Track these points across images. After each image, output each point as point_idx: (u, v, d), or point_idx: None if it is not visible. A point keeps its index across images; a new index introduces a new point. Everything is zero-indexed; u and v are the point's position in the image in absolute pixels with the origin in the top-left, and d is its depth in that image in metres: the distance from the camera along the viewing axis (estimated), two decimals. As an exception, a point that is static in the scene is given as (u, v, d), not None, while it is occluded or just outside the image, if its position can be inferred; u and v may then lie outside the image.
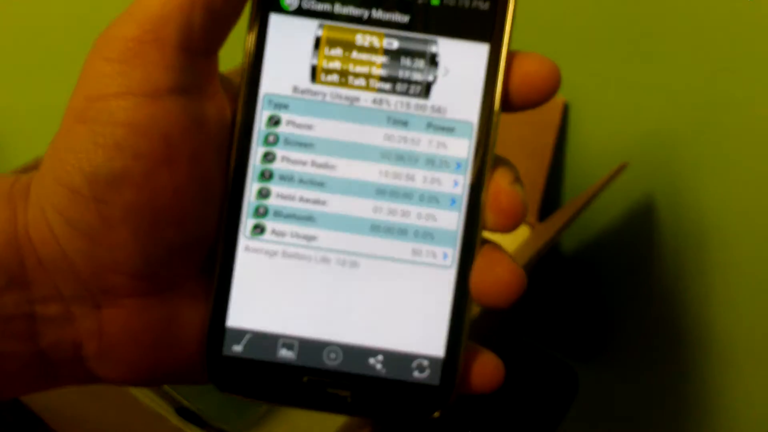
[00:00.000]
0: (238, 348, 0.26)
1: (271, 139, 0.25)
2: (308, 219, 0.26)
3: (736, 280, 0.53)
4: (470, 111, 0.25)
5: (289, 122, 0.25)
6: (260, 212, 0.26)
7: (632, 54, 0.50)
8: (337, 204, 0.26)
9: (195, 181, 0.24)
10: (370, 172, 0.25)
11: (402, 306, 0.26)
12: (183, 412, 0.42)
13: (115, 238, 0.23)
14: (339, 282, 0.26)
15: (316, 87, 0.25)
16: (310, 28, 0.25)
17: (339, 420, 0.41)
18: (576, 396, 0.60)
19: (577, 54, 0.52)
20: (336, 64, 0.25)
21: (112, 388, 0.42)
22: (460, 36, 0.25)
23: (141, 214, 0.23)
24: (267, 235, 0.26)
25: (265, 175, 0.25)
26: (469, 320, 0.26)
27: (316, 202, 0.26)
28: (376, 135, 0.25)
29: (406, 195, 0.26)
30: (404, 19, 0.25)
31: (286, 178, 0.25)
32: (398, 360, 0.26)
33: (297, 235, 0.26)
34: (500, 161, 0.26)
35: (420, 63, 0.25)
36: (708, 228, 0.53)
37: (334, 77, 0.25)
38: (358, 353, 0.26)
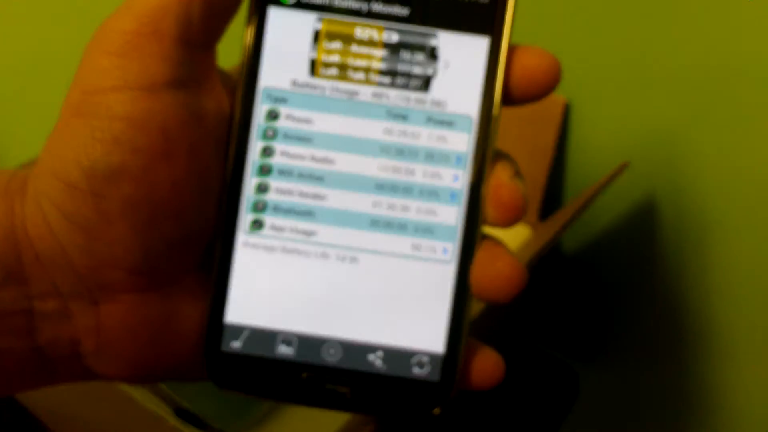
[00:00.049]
0: (236, 344, 0.26)
1: (269, 133, 0.25)
2: (307, 214, 0.25)
3: (737, 280, 0.53)
4: (470, 105, 0.25)
5: (288, 116, 0.25)
6: (259, 207, 0.25)
7: (633, 53, 0.50)
8: (337, 199, 0.25)
9: (193, 175, 0.24)
10: (370, 166, 0.25)
11: (402, 301, 0.26)
12: (182, 413, 0.42)
13: (113, 232, 0.23)
14: (338, 277, 0.26)
15: (316, 81, 0.25)
16: (309, 22, 0.25)
17: (339, 421, 0.40)
18: (577, 397, 0.60)
19: (579, 53, 0.52)
20: (335, 58, 0.25)
21: (111, 389, 0.42)
22: (461, 29, 0.25)
23: (139, 208, 0.23)
24: (266, 231, 0.25)
25: (264, 170, 0.25)
26: (469, 316, 0.26)
27: (315, 197, 0.25)
28: (375, 129, 0.25)
29: (405, 189, 0.25)
30: (404, 12, 0.25)
31: (285, 173, 0.25)
32: (398, 356, 0.26)
33: (296, 231, 0.26)
34: (500, 155, 0.26)
35: (420, 56, 0.25)
36: (710, 227, 0.52)
37: (334, 71, 0.25)
38: (358, 349, 0.26)
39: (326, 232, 0.25)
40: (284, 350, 0.26)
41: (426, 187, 0.25)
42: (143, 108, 0.23)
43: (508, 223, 0.25)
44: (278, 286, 0.26)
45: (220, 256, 0.25)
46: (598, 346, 0.65)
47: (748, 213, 0.51)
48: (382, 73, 0.25)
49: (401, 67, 0.25)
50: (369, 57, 0.25)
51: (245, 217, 0.25)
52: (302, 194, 0.25)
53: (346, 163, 0.25)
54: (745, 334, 0.55)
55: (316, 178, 0.25)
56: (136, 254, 0.24)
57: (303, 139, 0.25)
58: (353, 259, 0.26)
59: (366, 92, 0.25)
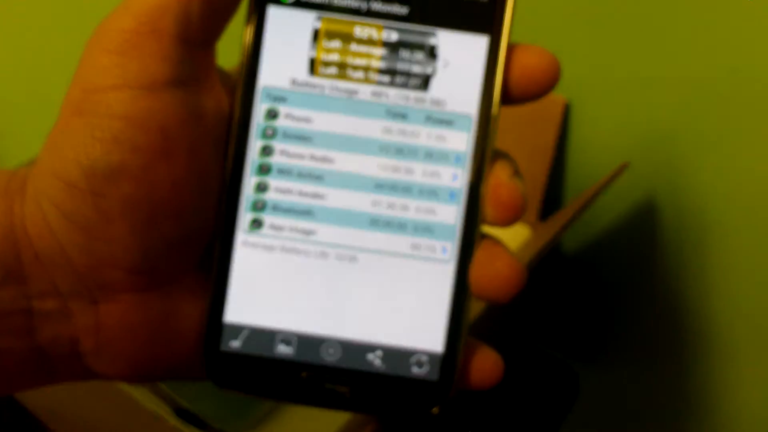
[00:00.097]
0: (236, 344, 0.26)
1: (269, 132, 0.25)
2: (307, 213, 0.25)
3: (737, 280, 0.53)
4: (469, 104, 0.25)
5: (287, 115, 0.25)
6: (258, 206, 0.25)
7: (633, 54, 0.50)
8: (336, 198, 0.25)
9: (193, 174, 0.24)
10: (369, 165, 0.25)
11: (401, 301, 0.26)
12: (182, 413, 0.42)
13: (113, 232, 0.23)
14: (337, 277, 0.26)
15: (315, 80, 0.25)
16: (308, 20, 0.25)
17: (339, 421, 0.40)
18: (577, 397, 0.60)
19: (578, 54, 0.52)
20: (334, 57, 0.25)
21: (111, 388, 0.42)
22: (460, 28, 0.25)
23: (139, 207, 0.23)
24: (265, 230, 0.25)
25: (263, 169, 0.25)
26: (468, 315, 0.26)
27: (315, 196, 0.25)
28: (374, 128, 0.25)
29: (405, 189, 0.25)
30: (403, 10, 0.25)
31: (285, 172, 0.25)
32: (397, 355, 0.26)
33: (295, 230, 0.26)
34: (500, 155, 0.26)
35: (419, 55, 0.25)
36: (710, 227, 0.52)
37: (333, 70, 0.25)
38: (357, 349, 0.26)
39: (325, 232, 0.25)
40: (283, 350, 0.26)
41: (425, 187, 0.25)
42: (143, 107, 0.23)
43: (507, 222, 0.25)
44: (277, 285, 0.26)
45: (220, 255, 0.25)
46: (598, 346, 0.65)
47: (748, 213, 0.51)
48: (382, 72, 0.25)
49: (401, 66, 0.25)
50: (368, 56, 0.25)
51: (244, 217, 0.25)
52: (301, 193, 0.25)
53: (345, 162, 0.25)
54: (744, 333, 0.55)
55: (316, 177, 0.25)
56: (136, 253, 0.24)
57: (302, 138, 0.25)
58: (352, 259, 0.26)
59: (365, 91, 0.25)
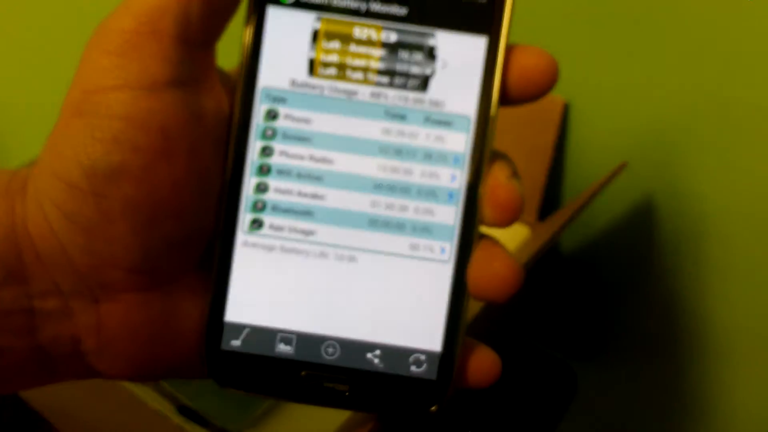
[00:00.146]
0: (236, 343, 0.26)
1: (268, 133, 0.25)
2: (306, 213, 0.26)
3: (734, 280, 0.53)
4: (468, 105, 0.25)
5: (286, 116, 0.25)
6: (258, 207, 0.26)
7: (632, 54, 0.50)
8: (335, 198, 0.26)
9: (193, 174, 0.24)
10: (368, 166, 0.25)
11: (400, 300, 0.26)
12: (184, 411, 0.42)
13: (114, 232, 0.23)
14: (337, 276, 0.26)
15: (314, 80, 0.25)
16: (307, 21, 0.25)
17: (340, 418, 0.41)
18: (575, 395, 0.60)
19: (577, 54, 0.52)
20: (334, 58, 0.25)
21: (114, 387, 0.42)
22: (459, 29, 0.25)
23: (139, 207, 0.23)
24: (265, 230, 0.26)
25: (263, 170, 0.25)
26: (466, 315, 0.26)
27: (314, 196, 0.26)
28: (374, 129, 0.25)
29: (403, 189, 0.26)
30: (402, 11, 0.25)
31: (284, 173, 0.25)
32: (396, 354, 0.26)
33: (295, 230, 0.26)
34: (498, 156, 0.26)
35: (418, 56, 0.25)
36: (707, 228, 0.53)
37: (332, 71, 0.25)
38: (356, 348, 0.26)
39: (325, 232, 0.26)
40: (283, 348, 0.26)
41: (424, 187, 0.26)
42: (143, 107, 0.23)
43: (504, 223, 0.25)
44: (277, 285, 0.26)
45: (220, 255, 0.25)
46: (596, 346, 0.65)
47: (745, 213, 0.51)
48: (381, 72, 0.25)
49: (399, 67, 0.25)
50: (367, 57, 0.25)
51: (245, 217, 0.25)
52: (301, 194, 0.26)
53: (344, 162, 0.25)
54: (741, 333, 0.55)
55: (315, 177, 0.25)
56: (137, 253, 0.24)
57: (302, 138, 0.25)
58: (352, 259, 0.26)
59: (364, 92, 0.25)
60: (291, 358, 0.26)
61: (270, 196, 0.26)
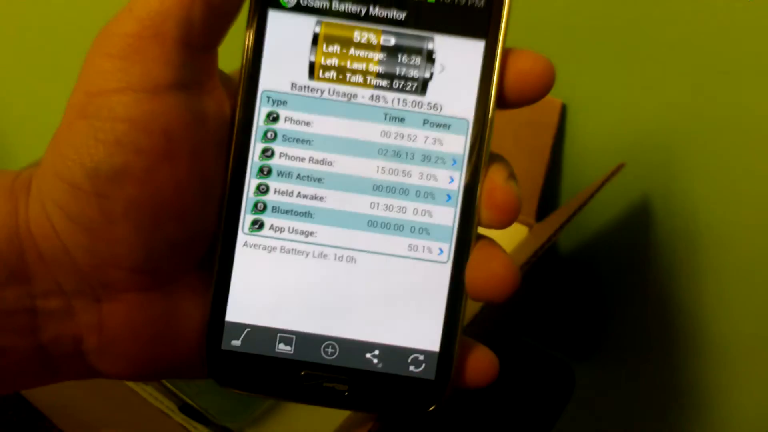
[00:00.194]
0: (236, 342, 0.26)
1: (269, 135, 0.26)
2: (306, 215, 0.26)
3: (730, 280, 0.53)
4: (466, 108, 0.25)
5: (287, 119, 0.26)
6: (259, 208, 0.26)
7: (629, 56, 0.50)
8: (335, 200, 0.26)
9: (195, 176, 0.24)
10: (367, 168, 0.26)
11: (398, 301, 0.26)
12: (186, 410, 0.42)
13: (116, 232, 0.23)
14: (336, 277, 0.26)
15: (314, 83, 0.25)
16: (308, 25, 0.25)
17: (341, 417, 0.41)
18: (573, 394, 0.60)
19: (575, 56, 0.52)
20: (334, 61, 0.25)
21: (116, 385, 0.42)
22: (457, 33, 0.25)
23: (142, 209, 0.23)
24: (265, 231, 0.26)
25: (264, 171, 0.26)
26: (464, 315, 0.26)
27: (314, 197, 0.26)
28: (373, 131, 0.26)
29: (402, 191, 0.26)
30: (401, 16, 0.25)
31: (285, 174, 0.26)
32: (394, 354, 0.26)
33: (295, 231, 0.26)
34: (495, 158, 0.26)
35: (417, 60, 0.25)
36: (703, 228, 0.53)
37: (332, 74, 0.25)
38: (355, 348, 0.26)
39: (325, 233, 0.26)
40: (283, 348, 0.26)
41: (422, 189, 0.26)
42: (146, 110, 0.23)
43: (502, 224, 0.25)
44: (278, 285, 0.26)
45: (221, 255, 0.26)
46: (593, 344, 0.65)
47: (742, 214, 0.51)
48: (380, 76, 0.25)
49: (398, 71, 0.25)
50: (367, 60, 0.25)
51: (245, 218, 0.26)
52: (301, 195, 0.26)
53: (344, 164, 0.26)
54: (737, 333, 0.55)
55: (315, 179, 0.26)
56: (139, 254, 0.24)
57: (302, 140, 0.26)
58: (351, 259, 0.26)
59: (364, 95, 0.25)
60: (290, 358, 0.26)
61: (270, 198, 0.26)
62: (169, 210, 0.24)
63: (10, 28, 0.75)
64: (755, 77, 0.47)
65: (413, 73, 0.25)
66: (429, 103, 0.25)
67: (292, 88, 0.25)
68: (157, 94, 0.23)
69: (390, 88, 0.25)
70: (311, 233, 0.26)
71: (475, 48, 0.25)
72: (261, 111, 0.25)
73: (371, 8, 0.25)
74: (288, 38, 0.25)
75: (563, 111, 0.54)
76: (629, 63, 0.51)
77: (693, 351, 0.58)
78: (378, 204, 0.26)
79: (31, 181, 0.24)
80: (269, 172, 0.26)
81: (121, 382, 0.41)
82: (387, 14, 0.25)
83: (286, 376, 0.26)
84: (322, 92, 0.25)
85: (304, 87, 0.25)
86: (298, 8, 0.25)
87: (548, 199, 0.58)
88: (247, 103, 0.25)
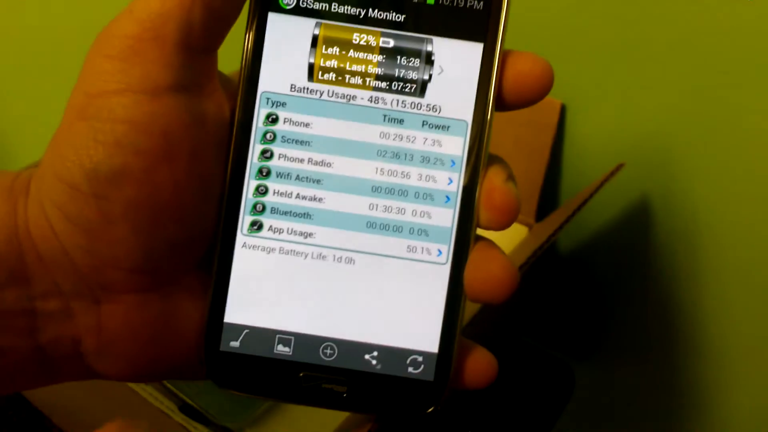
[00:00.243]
0: (235, 344, 0.26)
1: (268, 136, 0.26)
2: (305, 216, 0.26)
3: (729, 279, 0.54)
4: (465, 109, 0.26)
5: (286, 120, 0.26)
6: (258, 209, 0.26)
7: (628, 56, 0.50)
8: (334, 201, 0.26)
9: (194, 177, 0.24)
10: (366, 169, 0.26)
11: (397, 302, 0.26)
12: (186, 410, 0.42)
13: (115, 233, 0.23)
14: (335, 278, 0.26)
15: (314, 85, 0.25)
16: (307, 27, 0.25)
17: (341, 416, 0.41)
18: (572, 393, 0.60)
19: (574, 56, 0.52)
20: (333, 63, 0.25)
21: (117, 385, 0.42)
22: (455, 35, 0.25)
23: (141, 210, 0.23)
24: (264, 232, 0.26)
25: (263, 173, 0.26)
26: (463, 316, 0.26)
27: (313, 199, 0.26)
28: (372, 133, 0.26)
29: (401, 192, 0.26)
30: (400, 18, 0.25)
31: (284, 176, 0.26)
32: (393, 356, 0.26)
33: (294, 232, 0.26)
34: (494, 159, 0.26)
35: (415, 62, 0.25)
36: (702, 228, 0.53)
37: (331, 75, 0.25)
38: (354, 349, 0.26)
39: (323, 234, 0.26)
40: (282, 350, 0.26)
41: (421, 190, 0.26)
42: (145, 111, 0.23)
43: (500, 226, 0.25)
44: (276, 286, 0.26)
45: (220, 256, 0.26)
46: (592, 344, 0.65)
47: (741, 215, 0.51)
48: (379, 77, 0.25)
49: (397, 72, 0.25)
50: (366, 62, 0.25)
51: (244, 219, 0.26)
52: (300, 196, 0.26)
53: (343, 166, 0.26)
54: (736, 332, 0.55)
55: (314, 180, 0.26)
56: (138, 255, 0.24)
57: (301, 142, 0.26)
58: (350, 260, 0.26)
59: (363, 96, 0.25)
60: (289, 359, 0.26)
61: (269, 199, 0.26)
62: (168, 211, 0.24)
63: (10, 28, 0.75)
64: (755, 77, 0.47)
65: (412, 74, 0.25)
66: (428, 105, 0.26)
67: (291, 90, 0.25)
68: (156, 95, 0.23)
69: (389, 89, 0.25)
70: (310, 234, 0.26)
71: (474, 50, 0.25)
72: (260, 112, 0.25)
73: (370, 10, 0.25)
74: (287, 40, 0.25)
75: (563, 111, 0.54)
76: (629, 63, 0.51)
77: (692, 351, 0.58)
78: (377, 205, 0.26)
79: (31, 181, 0.24)
80: (268, 173, 0.26)
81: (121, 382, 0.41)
82: (386, 16, 0.25)
83: (285, 377, 0.26)
84: (321, 94, 0.25)
85: (304, 89, 0.25)
86: (298, 10, 0.25)
87: (548, 199, 0.58)
88: (246, 104, 0.25)
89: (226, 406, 0.43)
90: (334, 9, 0.25)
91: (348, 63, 0.25)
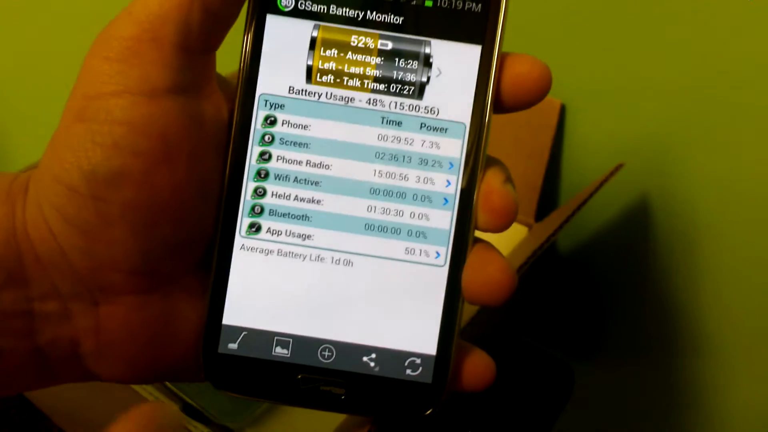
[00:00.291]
0: (233, 346, 0.26)
1: (267, 138, 0.26)
2: (303, 218, 0.26)
3: (727, 279, 0.54)
4: (463, 112, 0.26)
5: (285, 122, 0.26)
6: (256, 211, 0.26)
7: (628, 56, 0.50)
8: (332, 203, 0.26)
9: (193, 179, 0.24)
10: (365, 171, 0.26)
11: (395, 304, 0.26)
12: (187, 410, 0.42)
13: (113, 235, 0.23)
14: (333, 280, 0.26)
15: (312, 87, 0.25)
16: (306, 29, 0.25)
17: (340, 416, 0.41)
18: (572, 393, 0.60)
19: (574, 57, 0.52)
20: (331, 65, 0.25)
21: (118, 386, 0.42)
22: (453, 38, 0.25)
23: (139, 211, 0.23)
24: (263, 234, 0.26)
25: (261, 175, 0.26)
26: (461, 319, 0.26)
27: (311, 201, 0.26)
28: (370, 135, 0.26)
29: (399, 194, 0.26)
30: (398, 20, 0.25)
31: (282, 178, 0.26)
32: (391, 358, 0.26)
33: (292, 234, 0.26)
34: (492, 161, 0.26)
35: (413, 64, 0.25)
36: (701, 228, 0.53)
37: (330, 78, 0.25)
38: (352, 351, 0.26)
39: (322, 236, 0.26)
40: (280, 352, 0.26)
41: (419, 192, 0.26)
42: (143, 113, 0.23)
43: (498, 228, 0.25)
44: (275, 288, 0.26)
45: (218, 258, 0.26)
46: (592, 344, 0.65)
47: (740, 215, 0.51)
48: (377, 80, 0.25)
49: (396, 75, 0.25)
50: (364, 64, 0.25)
51: (242, 221, 0.26)
52: (298, 198, 0.26)
53: (341, 168, 0.26)
54: (735, 332, 0.55)
55: (312, 182, 0.26)
56: (136, 256, 0.24)
57: (299, 144, 0.26)
58: (348, 262, 0.26)
59: (361, 99, 0.25)
60: (287, 362, 0.26)
61: (268, 201, 0.26)
62: (166, 213, 0.24)
63: (10, 28, 0.75)
64: (754, 77, 0.47)
65: (410, 77, 0.25)
66: (426, 107, 0.26)
67: (289, 92, 0.25)
68: (154, 97, 0.23)
69: (387, 91, 0.25)
70: (308, 236, 0.26)
71: (472, 52, 0.25)
72: (258, 114, 0.25)
73: (368, 13, 0.25)
74: (286, 42, 0.25)
75: (562, 111, 0.54)
76: (628, 63, 0.51)
77: (692, 350, 0.58)
78: (375, 207, 0.26)
79: (29, 183, 0.24)
80: (266, 175, 0.26)
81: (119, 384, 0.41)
82: (384, 19, 0.25)
83: (283, 379, 0.26)
84: (319, 96, 0.25)
85: (302, 90, 0.25)
86: (296, 12, 0.25)
87: (547, 199, 0.58)
88: (244, 106, 0.25)
89: (226, 406, 0.43)
90: (333, 11, 0.25)
91: (346, 65, 0.25)
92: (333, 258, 0.26)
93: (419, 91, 0.25)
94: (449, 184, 0.26)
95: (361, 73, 0.25)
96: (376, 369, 0.26)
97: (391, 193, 0.26)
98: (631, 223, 0.56)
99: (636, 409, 0.65)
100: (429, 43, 0.25)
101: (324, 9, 0.25)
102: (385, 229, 0.26)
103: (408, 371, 0.26)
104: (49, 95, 0.61)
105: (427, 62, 0.25)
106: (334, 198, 0.26)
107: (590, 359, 0.65)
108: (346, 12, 0.25)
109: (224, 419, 0.43)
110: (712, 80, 0.48)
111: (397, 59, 0.25)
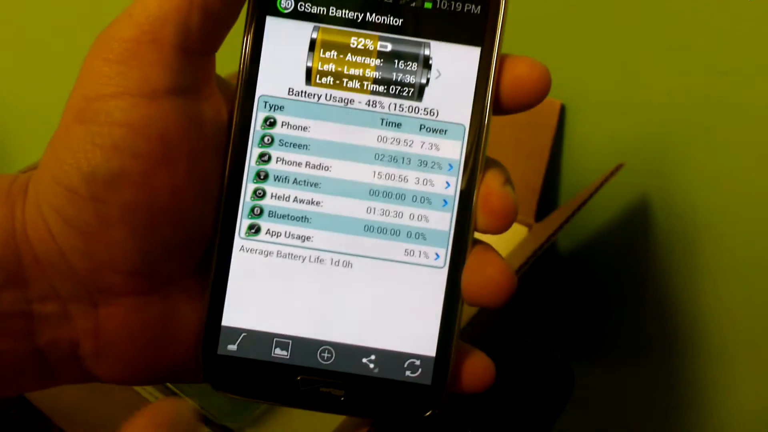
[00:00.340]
0: (232, 347, 0.26)
1: (266, 140, 0.26)
2: (303, 219, 0.26)
3: (727, 279, 0.54)
4: (462, 113, 0.26)
5: (284, 123, 0.26)
6: (255, 212, 0.26)
7: (628, 57, 0.50)
8: (332, 204, 0.26)
9: (192, 180, 0.24)
10: (364, 173, 0.26)
11: (395, 306, 0.26)
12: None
13: (113, 236, 0.23)
14: (333, 282, 0.26)
15: (311, 89, 0.25)
16: (305, 31, 0.25)
17: (338, 417, 0.41)
18: (572, 393, 0.60)
19: (573, 57, 0.52)
20: (331, 67, 0.25)
21: (118, 386, 0.42)
22: (453, 39, 0.25)
23: (139, 213, 0.23)
24: (262, 236, 0.26)
25: (261, 176, 0.26)
26: (460, 320, 0.26)
27: (311, 202, 0.26)
28: (369, 136, 0.26)
29: (399, 196, 0.26)
30: (398, 22, 0.25)
31: (281, 179, 0.26)
32: (391, 359, 0.26)
33: (292, 236, 0.26)
34: (491, 163, 0.26)
35: (413, 66, 0.25)
36: (701, 228, 0.53)
37: (329, 79, 0.25)
38: (352, 352, 0.26)
39: (321, 237, 0.26)
40: (279, 353, 0.26)
41: (419, 194, 0.26)
42: (143, 114, 0.23)
43: (498, 229, 0.25)
44: (274, 290, 0.26)
45: (218, 260, 0.26)
46: (592, 344, 0.65)
47: (739, 214, 0.51)
48: (377, 81, 0.25)
49: (395, 76, 0.25)
50: (364, 66, 0.25)
51: (242, 222, 0.26)
52: (298, 200, 0.26)
53: (340, 169, 0.26)
54: (734, 332, 0.56)
55: (312, 184, 0.26)
56: (136, 258, 0.24)
57: (299, 145, 0.26)
58: (347, 264, 0.26)
59: (361, 100, 0.25)
60: (287, 363, 0.26)
61: (267, 202, 0.26)
62: (165, 214, 0.24)
63: (10, 28, 0.75)
64: (754, 77, 0.47)
65: (410, 78, 0.25)
66: (425, 109, 0.26)
67: (289, 93, 0.25)
68: (154, 98, 0.23)
69: (387, 93, 0.25)
70: (308, 238, 0.26)
71: (472, 54, 0.25)
72: (258, 116, 0.25)
73: (368, 14, 0.25)
74: (285, 44, 0.25)
75: (562, 111, 0.54)
76: (628, 64, 0.51)
77: (691, 350, 0.58)
78: (374, 209, 0.26)
79: (28, 184, 0.24)
80: (266, 176, 0.26)
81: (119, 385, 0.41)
82: (384, 20, 0.25)
83: (282, 381, 0.26)
84: (319, 97, 0.25)
85: (301, 92, 0.25)
86: (296, 14, 0.25)
87: (547, 199, 0.58)
88: (244, 107, 0.25)
89: (226, 406, 0.43)
90: (332, 13, 0.25)
91: (346, 67, 0.25)
92: (332, 259, 0.26)
93: (419, 92, 0.25)
94: (449, 185, 0.26)
95: (361, 74, 0.25)
96: (376, 370, 0.26)
97: (390, 194, 0.26)
98: (631, 224, 0.56)
99: (636, 409, 0.65)
100: (428, 45, 0.25)
101: (323, 11, 0.25)
102: (385, 231, 0.26)
103: (407, 373, 0.26)
104: (49, 95, 0.61)
105: (426, 64, 0.25)
106: (334, 199, 0.26)
107: (590, 359, 0.65)
108: (345, 14, 0.25)
109: (224, 419, 0.43)
110: (712, 80, 0.48)
111: (396, 61, 0.25)
